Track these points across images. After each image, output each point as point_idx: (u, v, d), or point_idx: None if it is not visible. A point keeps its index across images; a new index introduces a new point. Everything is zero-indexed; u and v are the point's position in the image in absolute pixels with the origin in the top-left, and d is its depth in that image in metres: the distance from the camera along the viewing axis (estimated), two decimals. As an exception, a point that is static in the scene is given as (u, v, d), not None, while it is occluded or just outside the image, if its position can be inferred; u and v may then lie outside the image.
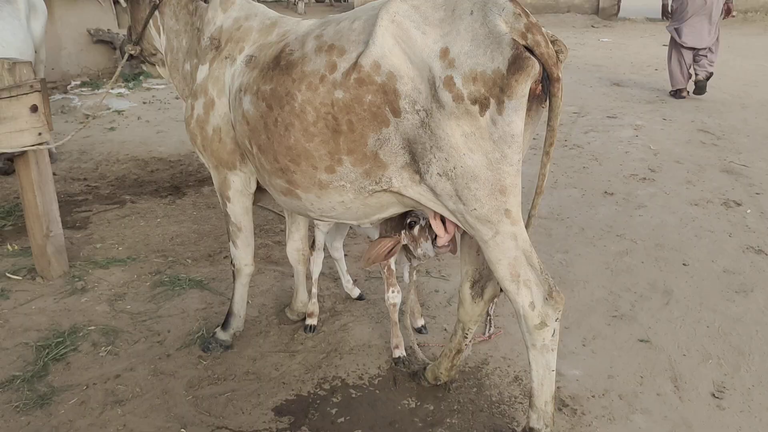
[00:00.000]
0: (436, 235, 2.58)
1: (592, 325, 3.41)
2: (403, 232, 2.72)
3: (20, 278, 3.88)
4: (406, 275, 3.18)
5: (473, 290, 2.64)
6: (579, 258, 4.17)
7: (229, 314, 3.24)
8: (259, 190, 3.01)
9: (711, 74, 8.48)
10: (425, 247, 2.67)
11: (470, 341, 2.78)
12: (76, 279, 3.87)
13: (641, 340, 3.28)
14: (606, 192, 5.32)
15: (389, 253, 2.73)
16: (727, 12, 8.41)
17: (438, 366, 2.86)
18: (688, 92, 8.68)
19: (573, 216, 4.85)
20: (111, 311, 3.54)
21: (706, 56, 8.39)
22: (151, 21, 3.22)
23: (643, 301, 3.65)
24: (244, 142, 2.68)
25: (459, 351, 2.78)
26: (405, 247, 2.79)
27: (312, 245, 3.42)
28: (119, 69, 3.48)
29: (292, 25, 2.74)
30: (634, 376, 3.00)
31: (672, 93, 8.76)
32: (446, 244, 2.55)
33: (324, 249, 3.45)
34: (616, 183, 5.54)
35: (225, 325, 3.24)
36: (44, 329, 3.35)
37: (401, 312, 3.07)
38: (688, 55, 8.45)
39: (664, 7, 8.70)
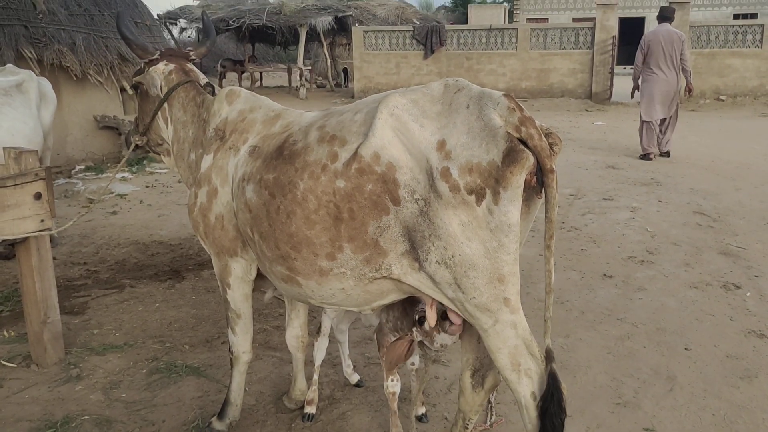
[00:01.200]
0: (447, 322, 2.56)
1: (595, 413, 3.34)
2: (414, 329, 2.71)
3: (15, 366, 3.83)
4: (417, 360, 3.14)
5: (474, 379, 2.60)
6: (580, 343, 4.13)
7: (225, 403, 3.19)
8: (259, 276, 3.01)
9: (667, 152, 10.48)
10: (441, 339, 2.65)
11: (471, 431, 2.72)
12: (72, 366, 3.82)
13: (646, 429, 3.21)
14: (605, 274, 5.33)
15: (408, 353, 2.72)
16: (689, 90, 10.50)
17: None
18: (654, 156, 10.41)
19: (572, 299, 4.83)
20: (105, 400, 3.47)
21: (663, 133, 10.43)
22: (159, 112, 3.32)
23: (647, 388, 3.59)
24: (245, 230, 2.71)
25: (460, 442, 2.72)
26: (420, 342, 2.78)
27: (318, 330, 3.39)
28: (125, 159, 3.56)
29: (295, 117, 2.82)
30: (641, 468, 2.92)
31: (641, 156, 10.50)
32: (458, 327, 2.54)
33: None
34: (614, 265, 5.54)
35: (221, 415, 3.17)
36: (37, 419, 3.28)
37: (401, 399, 3.02)
38: (653, 126, 10.38)
39: (634, 90, 10.65)
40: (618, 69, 21.12)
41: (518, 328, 2.21)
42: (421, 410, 3.28)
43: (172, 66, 3.32)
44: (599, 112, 17.37)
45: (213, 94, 3.30)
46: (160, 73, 3.30)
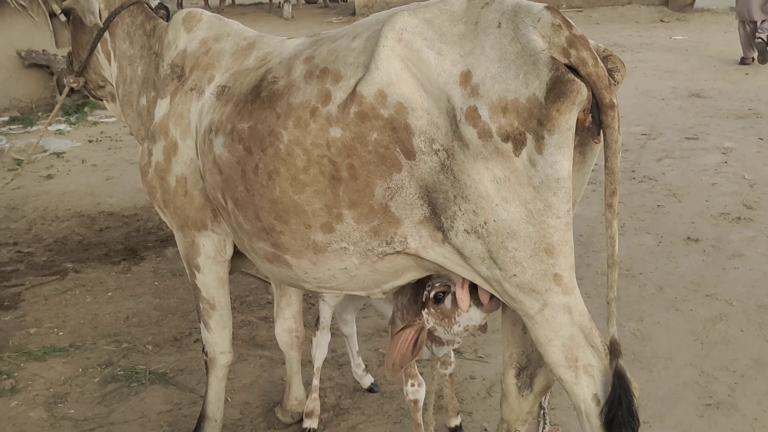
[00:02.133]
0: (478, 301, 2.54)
1: (680, 418, 3.37)
2: (424, 312, 2.69)
3: (-68, 377, 3.90)
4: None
5: (519, 380, 2.61)
6: (658, 327, 4.14)
7: (201, 418, 3.23)
8: (238, 255, 3.03)
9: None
10: (465, 319, 2.61)
11: None
12: (4, 376, 3.88)
13: (746, 437, 3.24)
14: (689, 238, 5.31)
15: (416, 347, 2.70)
16: None
17: None
18: (753, 59, 11.51)
19: (647, 271, 4.83)
20: (49, 418, 3.54)
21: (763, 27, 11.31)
22: (99, 45, 3.30)
23: (746, 383, 3.61)
24: (216, 196, 2.72)
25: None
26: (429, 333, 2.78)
27: (316, 323, 3.41)
28: (58, 106, 3.56)
29: (275, 46, 2.79)
30: (739, 486, 2.95)
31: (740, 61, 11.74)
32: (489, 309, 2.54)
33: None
34: (701, 225, 5.53)
35: (197, 433, 3.23)
36: (-37, 445, 3.35)
37: (424, 408, 3.05)
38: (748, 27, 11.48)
39: None
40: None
41: (574, 312, 2.20)
42: (456, 421, 3.30)
43: None
44: (679, 23, 17.12)
45: (167, 18, 3.27)
46: None
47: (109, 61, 3.31)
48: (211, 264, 2.99)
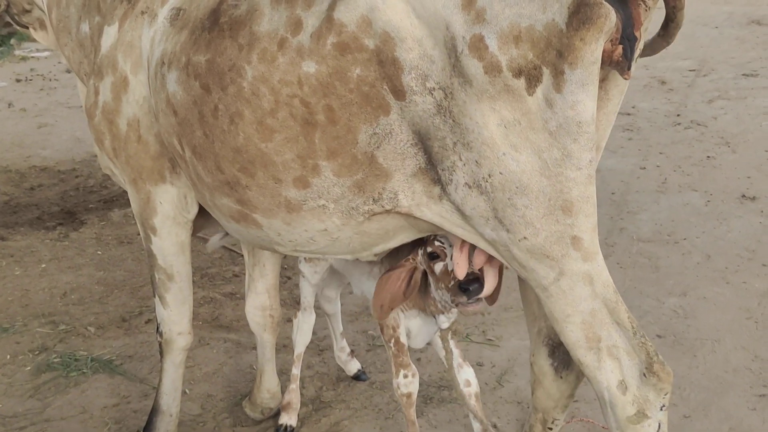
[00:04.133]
0: (473, 281, 2.57)
1: (728, 411, 3.40)
2: (420, 251, 2.72)
3: None
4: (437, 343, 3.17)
5: (555, 358, 2.65)
6: (704, 303, 4.17)
7: (153, 412, 3.25)
8: (200, 216, 3.04)
9: None
10: (441, 296, 2.69)
11: None
12: None
13: (806, 433, 3.28)
14: (744, 196, 5.33)
15: (408, 289, 2.74)
16: None
17: None
18: None
19: (692, 236, 4.85)
20: (-29, 414, 3.57)
21: None
22: None
23: (808, 370, 3.65)
24: (171, 141, 2.73)
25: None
26: (421, 299, 2.81)
27: (299, 302, 3.43)
28: None
29: None
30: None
31: None
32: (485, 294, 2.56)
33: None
34: (759, 181, 5.54)
35: (148, 429, 3.26)
36: None
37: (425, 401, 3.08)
38: None
39: None
40: None
41: (596, 283, 2.22)
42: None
43: None
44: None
45: None
46: None
47: None
48: (170, 225, 3.01)
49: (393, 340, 2.96)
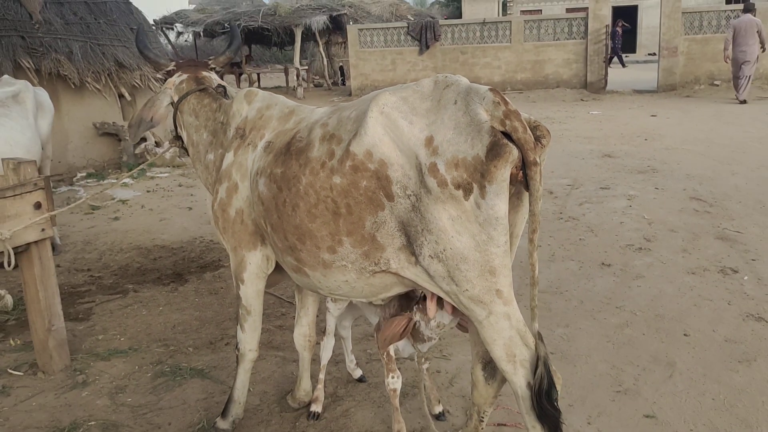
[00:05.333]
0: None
1: (596, 402, 3.35)
2: (415, 308, 2.72)
3: (21, 374, 3.84)
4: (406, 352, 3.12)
5: (486, 371, 2.61)
6: (580, 332, 4.13)
7: (229, 401, 3.20)
8: (273, 273, 3.04)
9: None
10: (440, 316, 2.63)
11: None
12: (78, 372, 3.83)
13: (647, 416, 3.22)
14: (603, 263, 5.32)
15: (404, 332, 2.73)
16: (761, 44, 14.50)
17: None
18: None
19: (571, 289, 4.83)
20: (112, 405, 3.49)
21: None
22: (175, 119, 3.40)
23: (647, 375, 3.60)
24: (260, 222, 2.80)
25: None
26: (413, 332, 2.78)
27: (324, 330, 3.39)
28: (160, 154, 3.60)
29: (307, 113, 2.87)
30: (642, 454, 2.93)
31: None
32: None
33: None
34: (612, 254, 5.54)
35: (225, 413, 3.20)
36: (44, 426, 3.29)
37: (403, 395, 3.02)
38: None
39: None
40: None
41: (512, 319, 2.22)
42: (439, 408, 3.26)
43: (184, 77, 3.38)
44: (595, 102, 17.34)
45: (225, 95, 3.36)
46: (171, 85, 3.38)
47: (181, 129, 3.39)
48: (254, 279, 3.00)
49: (385, 354, 2.93)
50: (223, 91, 3.40)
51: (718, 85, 17.82)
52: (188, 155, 3.58)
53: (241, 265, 2.99)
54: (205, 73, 3.42)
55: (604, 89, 18.65)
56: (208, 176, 3.24)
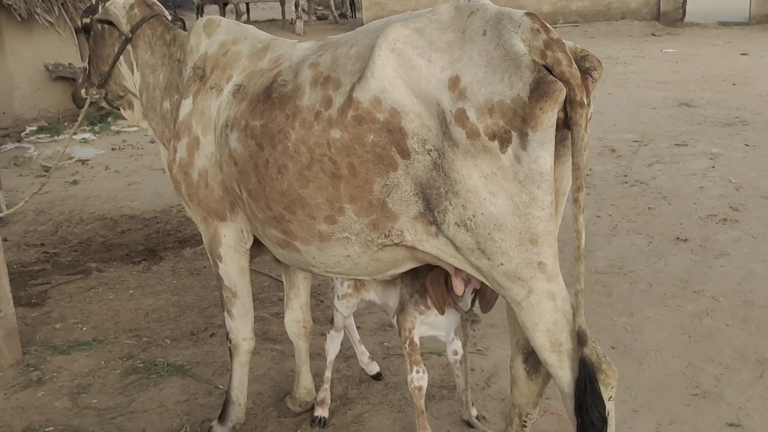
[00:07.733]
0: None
1: (668, 407, 3.36)
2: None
3: (-37, 369, 3.92)
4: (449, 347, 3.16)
5: (527, 364, 2.61)
6: (648, 322, 4.13)
7: (226, 402, 3.25)
8: (256, 245, 3.06)
9: None
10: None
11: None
12: (32, 368, 3.90)
13: (730, 424, 3.23)
14: (678, 238, 5.30)
15: (447, 285, 2.79)
16: None
17: None
18: None
19: (638, 269, 4.83)
20: (73, 407, 3.55)
21: None
22: (122, 57, 3.33)
23: (731, 375, 3.60)
24: (232, 186, 2.79)
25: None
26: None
27: (331, 321, 3.41)
28: (80, 117, 3.59)
29: (286, 49, 2.84)
30: (724, 471, 2.95)
31: None
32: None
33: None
34: (689, 226, 5.52)
35: (223, 417, 3.25)
36: (-8, 432, 3.37)
37: (429, 396, 3.04)
38: None
39: None
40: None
41: (557, 299, 2.22)
42: (474, 411, 3.27)
43: None
44: (669, 37, 17.10)
45: (184, 29, 3.33)
46: (120, 7, 3.29)
47: (132, 71, 3.34)
48: (232, 253, 3.03)
49: (408, 342, 2.96)
50: (182, 25, 3.38)
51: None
52: (113, 107, 3.56)
53: (215, 239, 3.00)
54: None
55: (682, 21, 18.37)
56: (164, 129, 3.22)
